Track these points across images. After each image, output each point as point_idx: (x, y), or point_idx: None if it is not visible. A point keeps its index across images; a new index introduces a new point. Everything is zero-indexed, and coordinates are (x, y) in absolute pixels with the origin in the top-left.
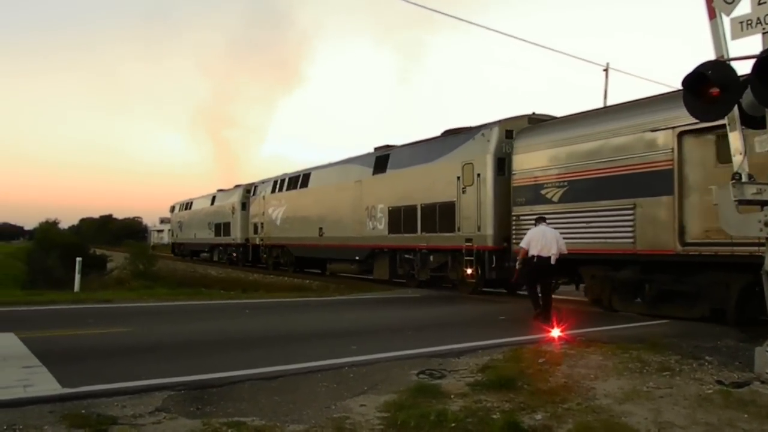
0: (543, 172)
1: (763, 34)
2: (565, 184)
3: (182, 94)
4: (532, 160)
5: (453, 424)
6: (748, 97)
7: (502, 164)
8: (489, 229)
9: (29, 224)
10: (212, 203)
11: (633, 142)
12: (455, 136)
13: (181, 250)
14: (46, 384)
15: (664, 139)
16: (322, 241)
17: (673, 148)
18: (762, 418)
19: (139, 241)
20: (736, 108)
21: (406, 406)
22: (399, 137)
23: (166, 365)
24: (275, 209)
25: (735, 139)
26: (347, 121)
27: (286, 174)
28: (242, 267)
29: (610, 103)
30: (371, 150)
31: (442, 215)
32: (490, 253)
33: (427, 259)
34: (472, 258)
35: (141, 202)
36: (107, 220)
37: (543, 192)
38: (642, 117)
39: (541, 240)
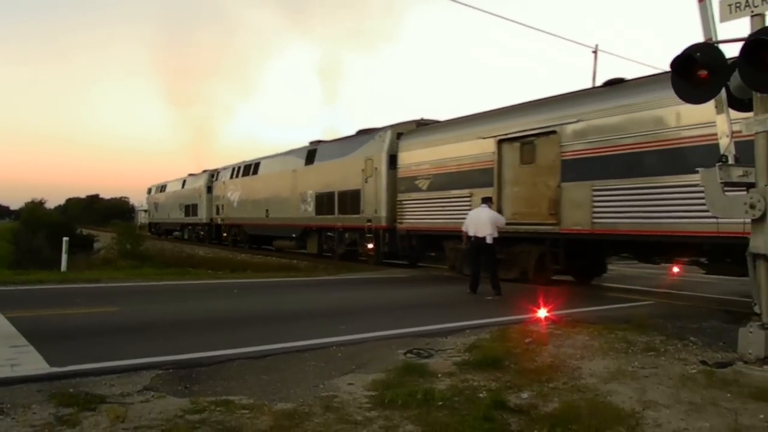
0: (417, 167)
1: (752, 16)
2: (431, 176)
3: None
4: (411, 157)
5: (440, 403)
6: (735, 80)
7: (394, 160)
8: (383, 212)
9: (15, 204)
10: (183, 186)
11: (471, 147)
12: (363, 136)
13: (157, 229)
14: (33, 363)
15: (489, 145)
16: (268, 221)
17: (494, 152)
18: (744, 397)
19: (126, 221)
20: (723, 90)
21: (394, 385)
22: (372, 119)
23: (154, 344)
24: (233, 193)
25: (722, 122)
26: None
27: (243, 162)
28: (209, 244)
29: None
30: (306, 144)
31: (351, 200)
32: (384, 231)
33: (343, 236)
34: (371, 235)
35: (128, 182)
36: (94, 200)
37: (416, 182)
38: (478, 127)
39: (475, 221)
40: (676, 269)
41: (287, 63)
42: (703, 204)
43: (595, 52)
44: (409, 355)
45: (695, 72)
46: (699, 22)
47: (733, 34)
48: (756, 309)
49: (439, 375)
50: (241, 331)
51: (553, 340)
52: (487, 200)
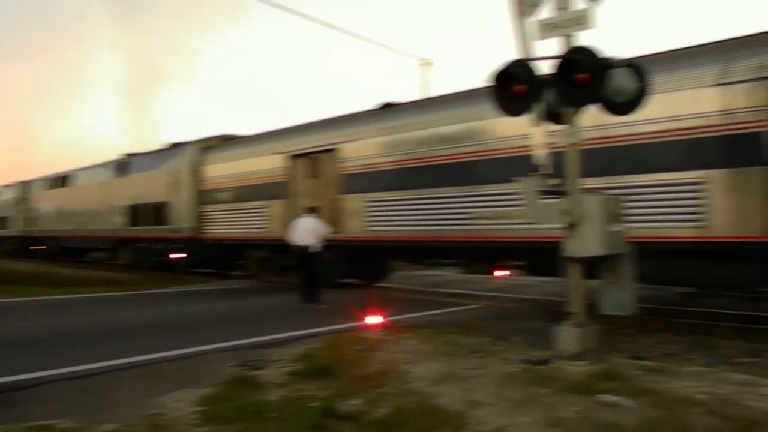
0: (220, 180)
1: (564, 36)
2: (232, 189)
3: None
4: (215, 171)
5: (271, 414)
6: (550, 95)
7: (199, 173)
8: (189, 223)
9: None
10: None
11: (267, 161)
12: (172, 149)
13: None
14: None
15: (282, 160)
16: (82, 233)
17: (286, 167)
18: (561, 391)
19: None
20: (540, 104)
21: (224, 399)
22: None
23: None
24: (47, 204)
25: (538, 134)
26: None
27: (57, 173)
28: (24, 257)
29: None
30: (123, 156)
31: (161, 212)
32: (192, 242)
33: (153, 247)
34: (180, 246)
35: None
36: None
37: (220, 195)
38: (273, 143)
39: (299, 231)
40: (502, 273)
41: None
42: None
43: (426, 64)
44: (240, 367)
45: (513, 86)
46: (516, 40)
47: (548, 53)
48: (570, 309)
49: (271, 386)
50: (64, 350)
51: (385, 346)
52: (311, 210)
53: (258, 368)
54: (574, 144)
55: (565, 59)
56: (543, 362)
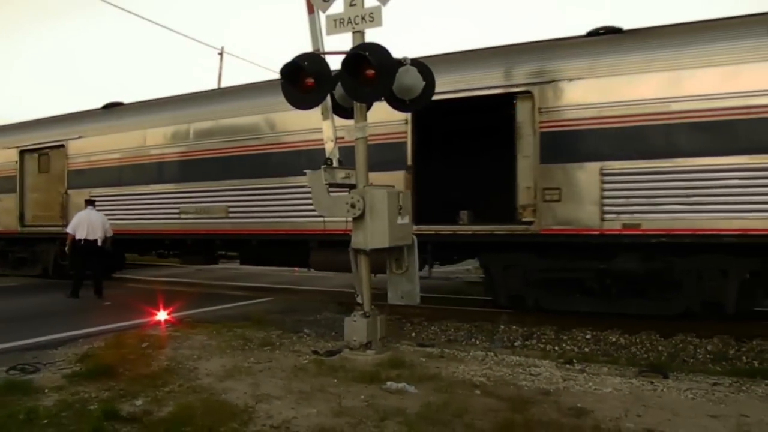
0: None
1: (353, 32)
2: None
3: None
4: None
5: (45, 421)
6: (339, 89)
7: None
8: None
9: None
10: None
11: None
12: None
13: None
14: None
15: (13, 155)
16: None
17: (17, 161)
18: (348, 381)
19: None
20: (329, 98)
21: None
22: None
23: None
24: None
25: (327, 128)
26: None
27: None
28: None
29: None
30: None
31: None
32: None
33: None
34: None
35: None
36: None
37: None
38: (5, 138)
39: (87, 223)
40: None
41: None
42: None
43: (221, 54)
44: (12, 371)
45: (303, 80)
46: (308, 33)
47: (338, 47)
48: (359, 299)
49: (47, 390)
50: None
51: (171, 343)
52: (91, 202)
53: (31, 372)
54: (362, 138)
55: (353, 54)
56: (332, 353)
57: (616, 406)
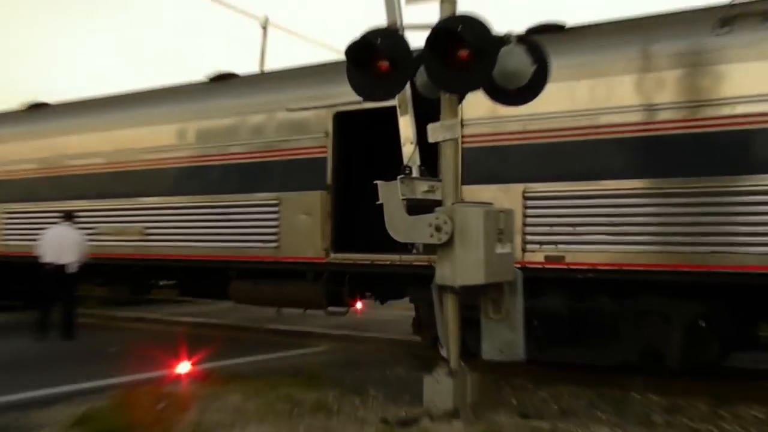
0: None
1: (442, 2)
2: None
3: None
4: None
5: None
6: (422, 75)
7: None
8: None
9: None
10: None
11: None
12: None
13: None
14: None
15: None
16: None
17: None
18: None
19: None
20: (408, 87)
21: None
22: None
23: None
24: None
25: (405, 126)
26: None
27: None
28: None
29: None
30: None
31: None
32: None
33: None
34: None
35: None
36: None
37: None
38: None
39: (57, 244)
40: (359, 305)
41: None
42: None
43: (264, 27)
44: None
45: (376, 62)
46: (383, 5)
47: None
48: (443, 352)
49: None
50: None
51: (197, 404)
52: (68, 216)
53: None
54: (451, 140)
55: (442, 29)
56: (407, 423)
57: None
